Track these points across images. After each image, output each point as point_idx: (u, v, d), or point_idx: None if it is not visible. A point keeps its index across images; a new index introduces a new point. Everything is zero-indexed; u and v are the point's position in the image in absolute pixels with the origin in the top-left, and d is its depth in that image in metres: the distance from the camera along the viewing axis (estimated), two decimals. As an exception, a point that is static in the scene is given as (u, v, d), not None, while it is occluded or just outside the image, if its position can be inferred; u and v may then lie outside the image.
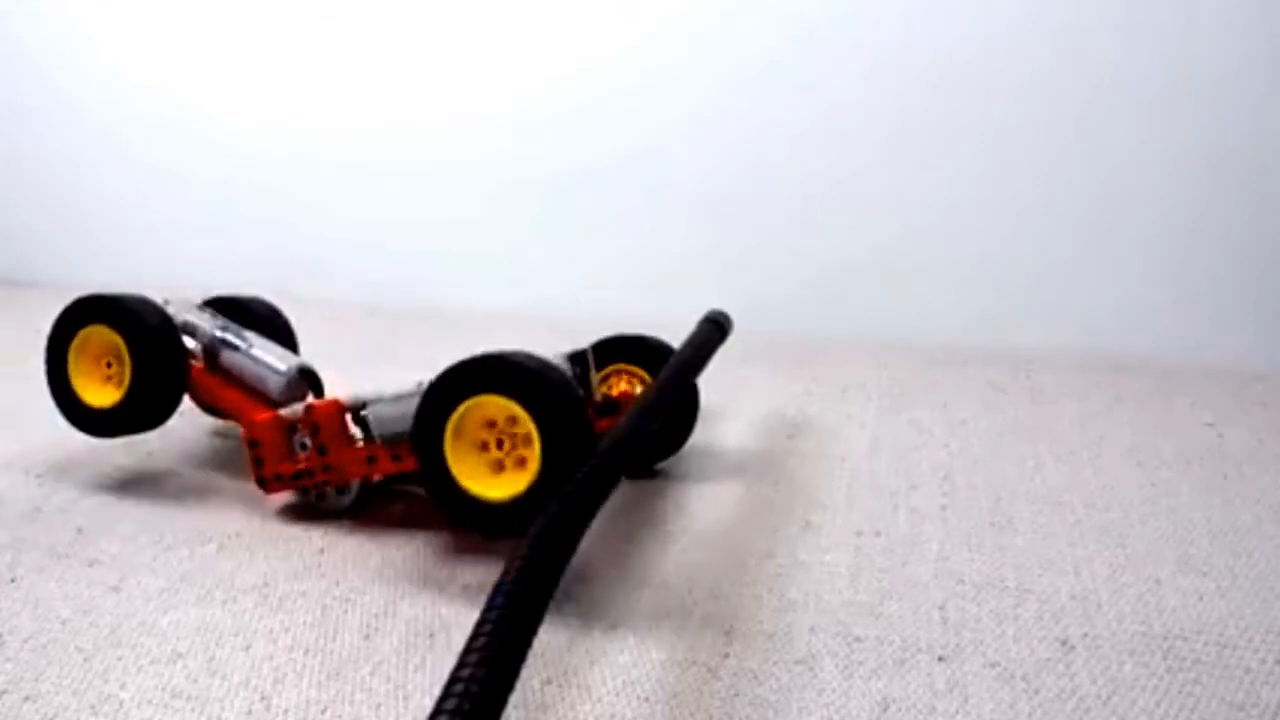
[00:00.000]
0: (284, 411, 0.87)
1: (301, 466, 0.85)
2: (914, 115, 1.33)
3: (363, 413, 0.84)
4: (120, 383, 0.88)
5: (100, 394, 0.90)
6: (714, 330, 0.97)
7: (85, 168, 1.72)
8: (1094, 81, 1.26)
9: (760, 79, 1.37)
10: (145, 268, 1.72)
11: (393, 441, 0.82)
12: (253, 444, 0.86)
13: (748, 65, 1.37)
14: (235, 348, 0.94)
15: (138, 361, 0.87)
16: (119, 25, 1.61)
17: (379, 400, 0.82)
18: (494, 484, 0.72)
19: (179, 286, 1.68)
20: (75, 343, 0.90)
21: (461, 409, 0.72)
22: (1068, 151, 1.29)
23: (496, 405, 0.71)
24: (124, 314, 0.87)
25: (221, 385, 0.93)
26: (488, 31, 1.46)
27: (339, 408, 0.85)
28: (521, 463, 0.72)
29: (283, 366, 0.92)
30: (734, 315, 1.05)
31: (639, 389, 0.95)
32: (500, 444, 0.73)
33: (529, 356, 0.73)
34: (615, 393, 0.95)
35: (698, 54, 1.38)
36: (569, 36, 1.43)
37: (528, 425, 0.70)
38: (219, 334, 0.95)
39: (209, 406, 1.01)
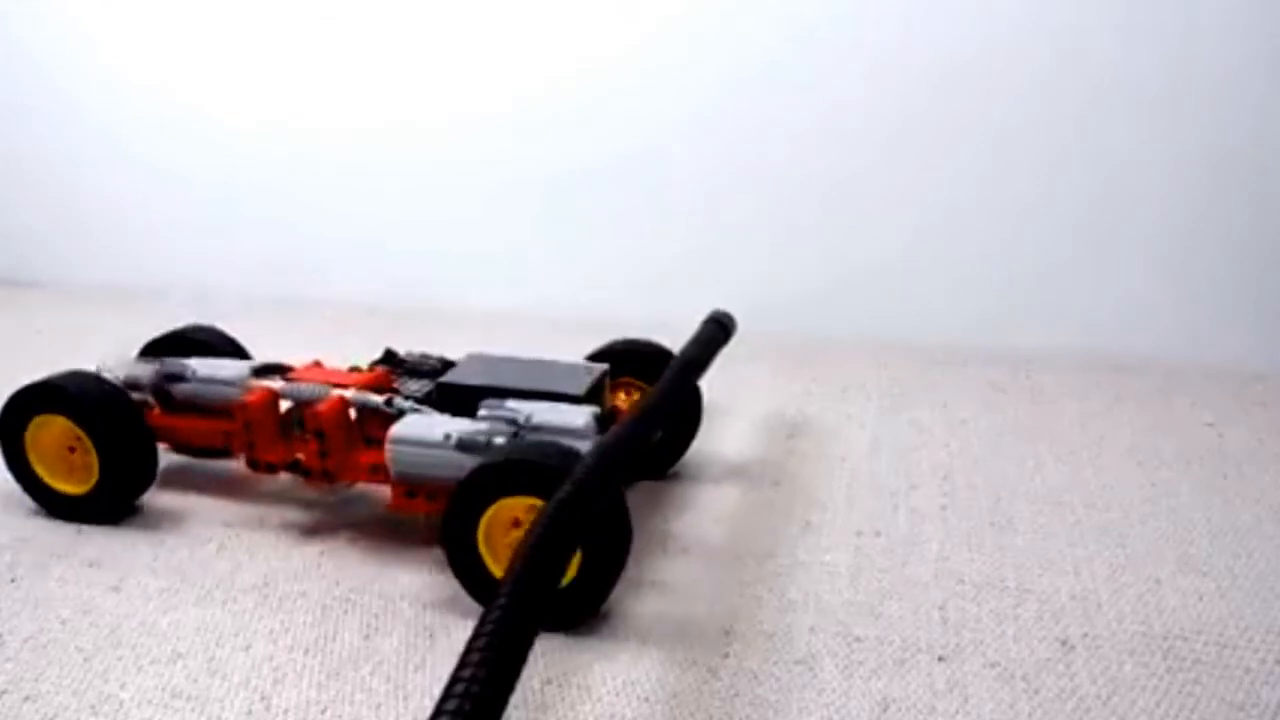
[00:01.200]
0: (278, 386, 0.85)
1: (297, 456, 0.83)
2: (914, 115, 1.33)
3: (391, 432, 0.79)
4: (88, 469, 0.84)
5: (69, 481, 0.86)
6: (718, 331, 0.97)
7: (85, 168, 1.71)
8: (1094, 81, 1.26)
9: (760, 79, 1.37)
10: (145, 268, 1.72)
11: (409, 479, 0.78)
12: (246, 426, 0.84)
13: (748, 65, 1.37)
14: (183, 378, 0.90)
15: (105, 453, 0.83)
16: (119, 25, 1.61)
17: (402, 440, 0.77)
18: None
19: (179, 287, 1.68)
20: (29, 432, 0.85)
21: (491, 511, 0.70)
22: (1068, 151, 1.29)
23: (525, 504, 0.69)
24: (77, 404, 0.83)
25: (187, 420, 0.90)
26: (487, 32, 1.46)
27: (342, 403, 0.83)
28: None
29: (234, 374, 0.89)
30: (734, 315, 1.05)
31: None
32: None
33: (552, 452, 0.70)
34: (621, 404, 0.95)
35: (698, 54, 1.38)
36: (569, 36, 1.43)
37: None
38: (162, 372, 0.91)
39: (186, 446, 0.98)
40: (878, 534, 0.83)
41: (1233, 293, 1.29)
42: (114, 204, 1.72)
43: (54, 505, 0.86)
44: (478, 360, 0.89)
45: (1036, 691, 0.63)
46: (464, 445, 0.75)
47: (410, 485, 0.78)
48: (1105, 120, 1.27)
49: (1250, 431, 1.05)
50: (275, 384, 0.86)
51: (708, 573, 0.77)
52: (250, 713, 0.62)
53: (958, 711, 0.61)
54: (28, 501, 0.90)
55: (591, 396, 0.81)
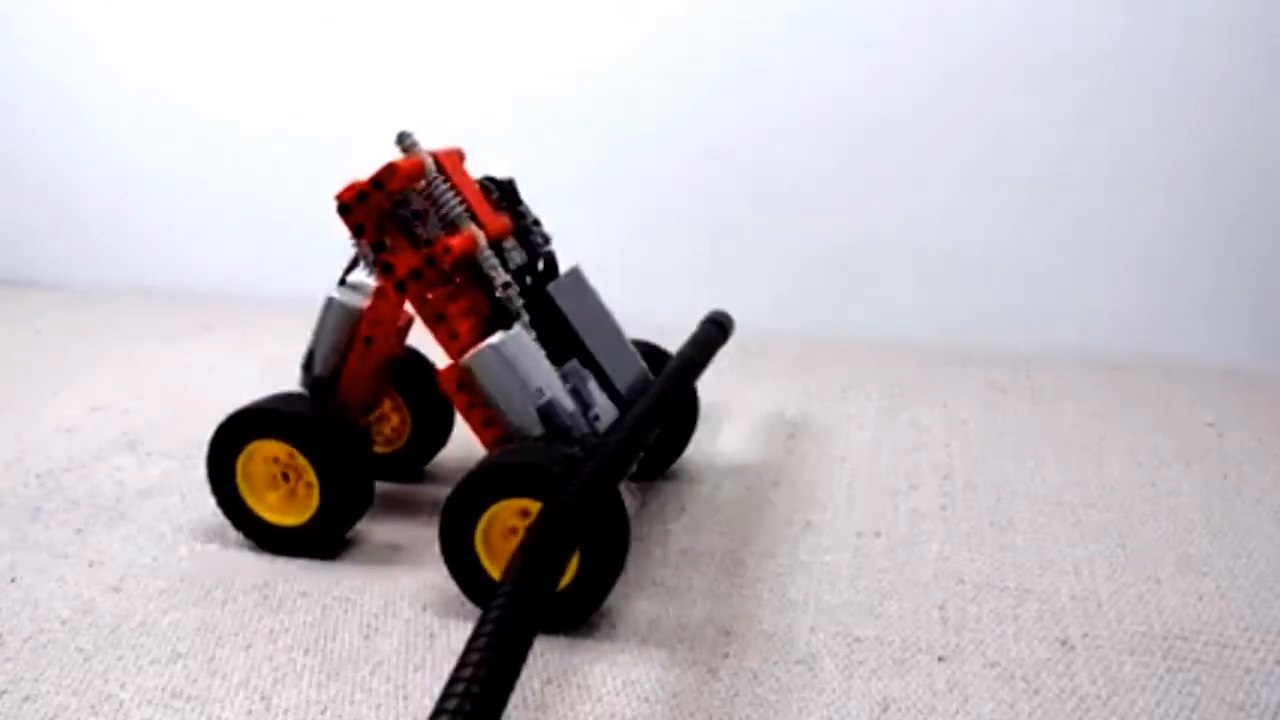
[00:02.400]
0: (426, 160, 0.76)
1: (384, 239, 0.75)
2: (914, 115, 1.33)
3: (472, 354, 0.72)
4: (305, 498, 0.79)
5: (284, 513, 0.80)
6: (715, 331, 0.97)
7: (85, 168, 1.72)
8: (1094, 81, 1.26)
9: (761, 79, 1.37)
10: (145, 268, 1.72)
11: (470, 382, 0.73)
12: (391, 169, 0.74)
13: (748, 65, 1.37)
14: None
15: (327, 481, 0.77)
16: (119, 26, 1.61)
17: (499, 357, 0.71)
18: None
19: (178, 287, 1.68)
20: (241, 462, 0.79)
21: (489, 514, 0.69)
22: (1068, 151, 1.29)
23: (521, 505, 0.69)
24: (299, 429, 0.77)
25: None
26: (487, 32, 1.46)
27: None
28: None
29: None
30: (733, 315, 1.05)
31: None
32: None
33: (552, 455, 0.69)
34: None
35: (698, 53, 1.38)
36: (567, 37, 1.43)
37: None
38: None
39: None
40: (878, 534, 0.83)
41: (1232, 293, 1.29)
42: (114, 204, 1.72)
43: (267, 538, 0.80)
44: (579, 286, 0.85)
45: (1036, 691, 0.63)
46: (546, 413, 0.72)
47: (468, 385, 0.73)
48: (1105, 120, 1.27)
49: (1250, 431, 1.05)
50: (428, 163, 0.76)
51: (708, 572, 0.77)
52: (250, 713, 0.62)
53: (958, 711, 0.61)
54: (28, 502, 0.90)
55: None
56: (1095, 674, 0.65)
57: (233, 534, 0.84)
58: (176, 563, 0.79)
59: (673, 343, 0.92)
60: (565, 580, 0.67)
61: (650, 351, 0.94)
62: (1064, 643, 0.68)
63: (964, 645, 0.68)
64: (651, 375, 0.87)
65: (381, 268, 0.76)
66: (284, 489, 0.80)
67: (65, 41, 1.65)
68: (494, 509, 0.69)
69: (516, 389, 0.72)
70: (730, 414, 1.12)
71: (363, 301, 0.81)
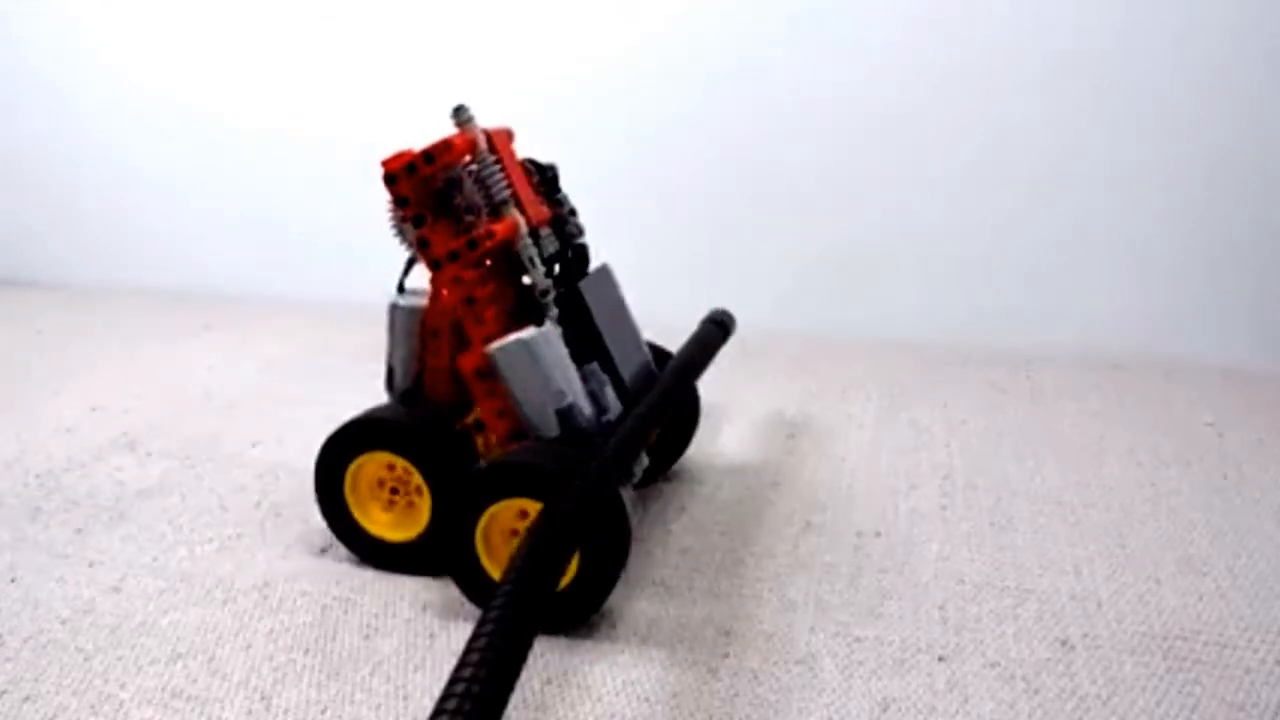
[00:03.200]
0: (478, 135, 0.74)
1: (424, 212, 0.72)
2: (914, 115, 1.33)
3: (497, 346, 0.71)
4: (414, 512, 0.77)
5: (395, 528, 0.77)
6: (716, 331, 0.97)
7: (85, 168, 1.72)
8: (1094, 81, 1.26)
9: (761, 78, 1.37)
10: (145, 268, 1.72)
11: (491, 371, 0.72)
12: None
13: (748, 65, 1.37)
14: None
15: (440, 494, 0.75)
16: (119, 27, 1.61)
17: (527, 353, 0.70)
18: None
19: (178, 287, 1.68)
20: (350, 476, 0.77)
21: (490, 512, 0.69)
22: (1068, 151, 1.29)
23: (524, 505, 0.69)
24: (412, 441, 0.74)
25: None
26: (486, 35, 1.46)
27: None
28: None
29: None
30: (733, 315, 1.05)
31: None
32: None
33: (559, 455, 0.68)
34: None
35: (699, 53, 1.38)
36: (567, 37, 1.43)
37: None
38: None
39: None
40: (878, 534, 0.83)
41: (1232, 293, 1.29)
42: (114, 204, 1.72)
43: (378, 555, 0.78)
44: (606, 284, 0.84)
45: (1036, 691, 0.63)
46: (564, 416, 0.71)
47: (489, 372, 0.72)
48: (1105, 120, 1.27)
49: (1250, 431, 1.05)
50: (480, 141, 0.74)
51: (708, 572, 0.77)
52: (250, 713, 0.62)
53: (958, 711, 0.61)
54: (28, 502, 0.90)
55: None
56: (1095, 674, 0.65)
57: (232, 533, 0.84)
58: (176, 563, 0.79)
59: (673, 343, 0.92)
60: (565, 580, 0.67)
61: (651, 351, 0.94)
62: (1064, 643, 0.68)
63: (964, 645, 0.68)
64: (657, 373, 0.87)
65: (419, 244, 0.74)
66: (397, 504, 0.77)
67: (65, 41, 1.65)
68: (493, 509, 0.69)
69: (538, 387, 0.71)
70: (730, 414, 1.12)
71: (424, 301, 0.78)
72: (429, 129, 1.58)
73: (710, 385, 1.10)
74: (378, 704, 0.62)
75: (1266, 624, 0.70)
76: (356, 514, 0.77)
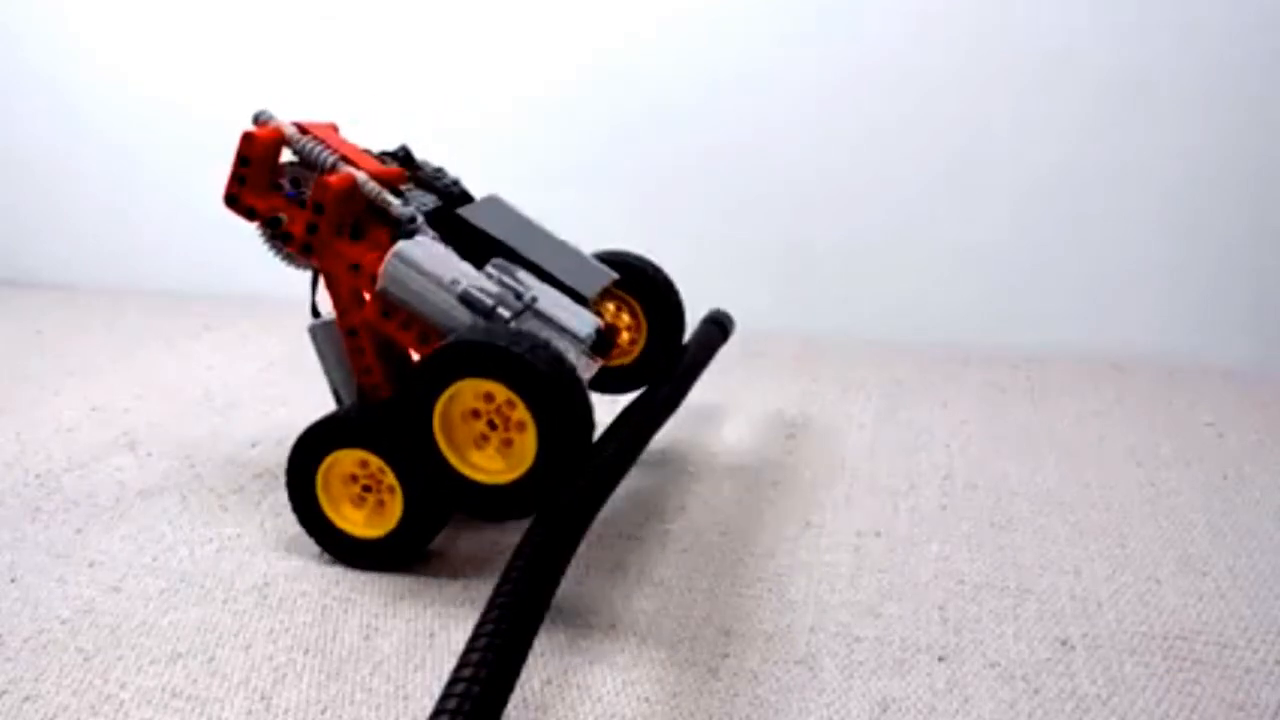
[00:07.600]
0: (289, 131, 0.78)
1: (280, 214, 0.75)
2: (914, 115, 1.33)
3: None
4: (385, 509, 0.77)
5: (366, 525, 0.78)
6: (715, 331, 0.97)
7: (85, 168, 1.72)
8: (1095, 81, 1.26)
9: (760, 77, 1.37)
10: (145, 268, 1.72)
11: (392, 301, 0.72)
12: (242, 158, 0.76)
13: (747, 63, 1.37)
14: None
15: (410, 491, 0.75)
16: (119, 27, 1.61)
17: (407, 261, 0.70)
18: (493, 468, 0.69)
19: (178, 287, 1.68)
20: (321, 473, 0.78)
21: (450, 391, 0.67)
22: (1068, 151, 1.29)
23: (489, 388, 0.67)
24: (381, 437, 0.75)
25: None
26: (484, 33, 1.46)
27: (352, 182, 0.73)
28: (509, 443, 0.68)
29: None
30: (733, 315, 1.05)
31: (625, 315, 0.94)
32: (493, 425, 0.68)
33: (522, 338, 0.66)
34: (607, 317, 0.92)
35: (698, 53, 1.38)
36: (566, 36, 1.43)
37: (522, 412, 0.66)
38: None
39: None
40: (878, 534, 0.83)
41: (1233, 293, 1.29)
42: (114, 204, 1.72)
43: (346, 551, 0.78)
44: (498, 206, 0.84)
45: (1036, 691, 0.63)
46: (468, 300, 0.70)
47: (389, 306, 0.73)
48: (1106, 120, 1.27)
49: (1250, 431, 1.05)
50: (287, 128, 0.78)
51: (708, 573, 0.77)
52: (250, 713, 0.62)
53: (958, 711, 0.61)
54: (28, 502, 0.90)
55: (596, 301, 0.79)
56: (1095, 674, 0.65)
57: (232, 534, 0.84)
58: (176, 563, 0.79)
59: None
60: (524, 466, 0.66)
61: (642, 265, 0.93)
62: (1064, 643, 0.68)
63: (964, 645, 0.68)
64: (617, 276, 0.85)
65: (283, 239, 0.76)
66: (368, 501, 0.78)
67: (65, 41, 1.65)
68: (456, 387, 0.67)
69: (432, 288, 0.71)
70: (730, 414, 1.12)
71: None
72: (429, 129, 1.58)
73: (710, 385, 1.10)
74: (378, 704, 0.62)
75: (1266, 624, 0.70)
76: (328, 510, 0.78)
